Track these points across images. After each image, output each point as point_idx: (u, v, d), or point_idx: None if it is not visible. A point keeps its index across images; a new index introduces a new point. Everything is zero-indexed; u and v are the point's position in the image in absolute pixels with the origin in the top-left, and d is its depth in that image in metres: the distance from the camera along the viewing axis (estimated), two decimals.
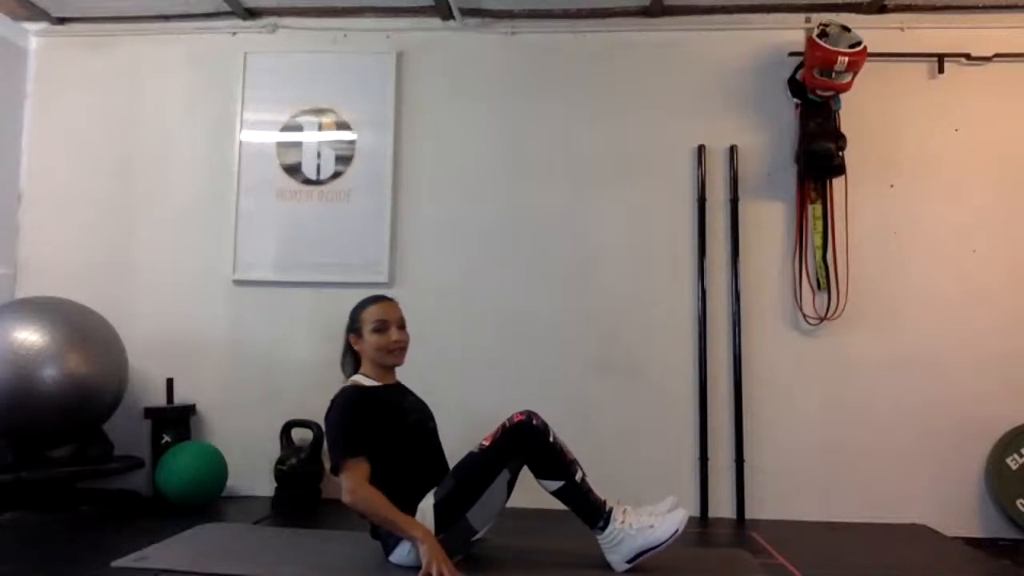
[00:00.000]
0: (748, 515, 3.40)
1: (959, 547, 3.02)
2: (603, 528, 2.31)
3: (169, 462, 3.36)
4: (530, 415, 2.35)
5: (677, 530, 2.30)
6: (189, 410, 3.64)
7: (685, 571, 2.51)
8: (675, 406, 3.50)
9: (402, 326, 2.55)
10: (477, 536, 2.35)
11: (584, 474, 2.37)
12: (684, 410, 3.49)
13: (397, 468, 2.36)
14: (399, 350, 2.53)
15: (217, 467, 3.43)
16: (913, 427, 3.40)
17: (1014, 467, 3.30)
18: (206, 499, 3.37)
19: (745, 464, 3.43)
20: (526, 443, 2.32)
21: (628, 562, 2.30)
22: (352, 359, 2.60)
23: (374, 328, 2.50)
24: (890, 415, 3.42)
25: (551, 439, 2.34)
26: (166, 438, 3.51)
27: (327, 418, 2.43)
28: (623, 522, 2.30)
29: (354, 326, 2.55)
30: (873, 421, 3.42)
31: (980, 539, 3.26)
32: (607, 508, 2.33)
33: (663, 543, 2.28)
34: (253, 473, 3.56)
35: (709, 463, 3.44)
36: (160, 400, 3.64)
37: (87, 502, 3.35)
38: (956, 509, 3.35)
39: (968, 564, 2.80)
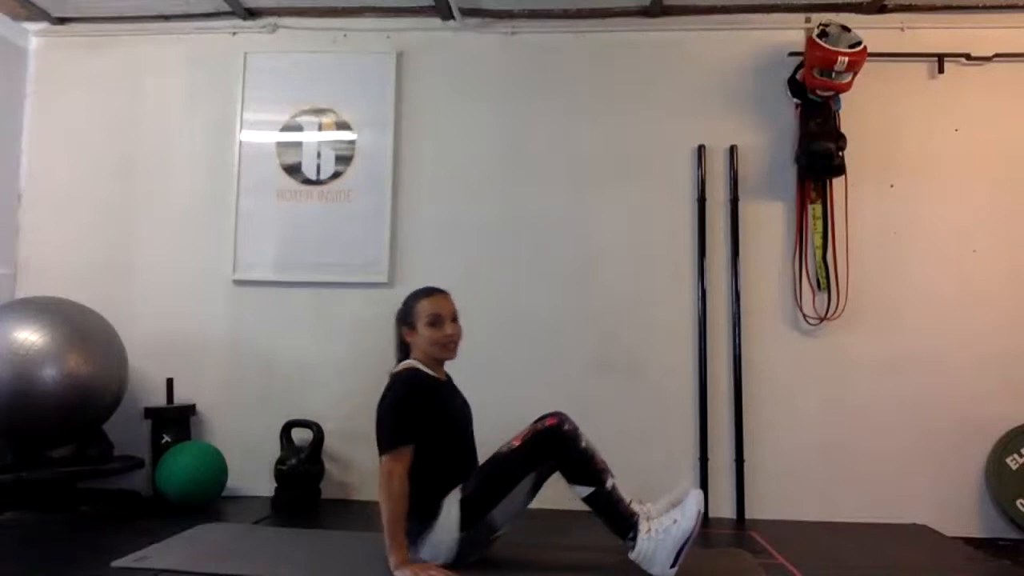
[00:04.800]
0: (748, 515, 3.40)
1: (959, 547, 3.01)
2: (633, 539, 2.26)
3: (169, 462, 3.36)
4: (561, 420, 2.33)
5: (699, 511, 2.25)
6: (189, 410, 3.64)
7: (685, 571, 2.50)
8: (675, 406, 3.50)
9: (455, 319, 2.53)
10: (498, 534, 2.36)
11: (615, 482, 2.33)
12: (684, 410, 3.49)
13: (438, 464, 2.36)
14: (452, 344, 2.50)
15: (217, 467, 3.43)
16: (913, 427, 3.40)
17: (1014, 467, 3.30)
18: (206, 499, 3.37)
19: (745, 464, 3.43)
20: (556, 448, 2.31)
21: (672, 566, 2.24)
22: (402, 351, 2.56)
23: (428, 322, 2.46)
24: (890, 415, 3.42)
25: (582, 444, 2.32)
26: (166, 438, 3.51)
27: (384, 398, 2.39)
28: (649, 531, 2.26)
29: (407, 319, 2.51)
30: (873, 421, 3.42)
31: (980, 539, 3.26)
32: (635, 517, 2.28)
33: (693, 531, 2.23)
34: (253, 473, 3.56)
35: (709, 463, 3.44)
36: (160, 400, 3.64)
37: (87, 502, 3.35)
38: (956, 509, 3.35)
39: (968, 564, 2.79)
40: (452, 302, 2.55)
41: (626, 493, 2.34)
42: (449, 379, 2.60)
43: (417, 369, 2.47)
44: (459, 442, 2.48)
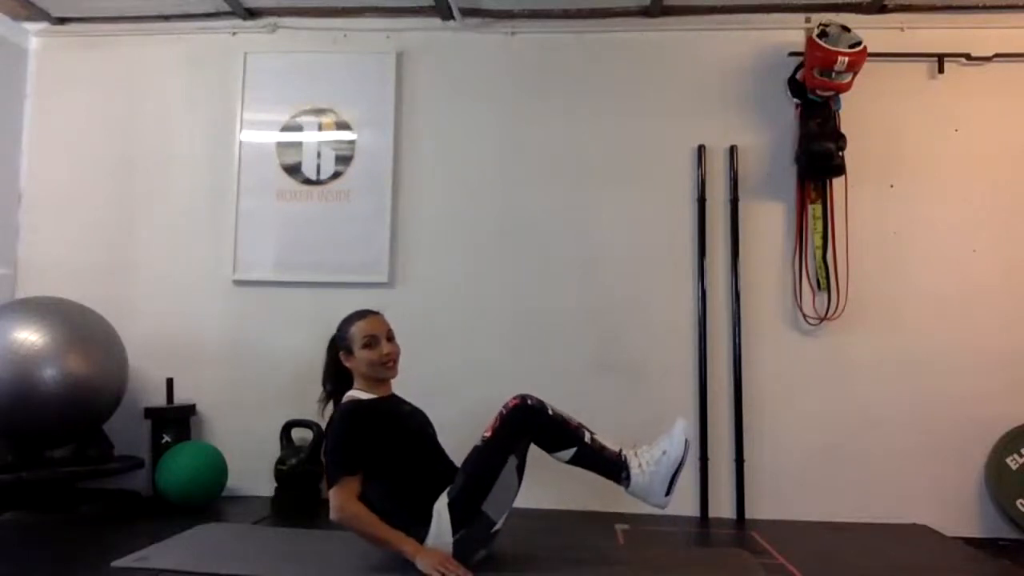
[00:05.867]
0: (748, 515, 3.40)
1: (959, 547, 3.02)
2: (627, 478, 2.35)
3: (169, 462, 3.36)
4: (524, 397, 2.38)
5: (686, 440, 2.36)
6: (189, 410, 3.64)
7: (685, 571, 2.51)
8: (675, 406, 3.49)
9: (391, 338, 2.56)
10: (496, 527, 2.36)
11: (592, 433, 2.40)
12: (684, 410, 3.48)
13: (407, 475, 2.39)
14: (391, 362, 2.54)
15: (217, 467, 3.43)
16: (913, 427, 3.40)
17: (1014, 467, 3.30)
18: (206, 499, 3.37)
19: (745, 464, 3.43)
20: (527, 425, 2.35)
21: (668, 494, 2.36)
22: (336, 377, 2.60)
23: (364, 344, 2.50)
24: (890, 415, 3.42)
25: (550, 412, 2.37)
26: (166, 438, 3.51)
27: (325, 434, 2.47)
28: (640, 467, 2.35)
29: (343, 344, 2.55)
30: (873, 421, 3.42)
31: (980, 539, 3.26)
32: (623, 457, 2.37)
33: (683, 459, 2.35)
34: (253, 473, 3.55)
35: (709, 463, 3.44)
36: (160, 400, 3.64)
37: (87, 502, 3.35)
38: (956, 509, 3.34)
39: (968, 564, 2.80)
40: (386, 322, 2.59)
41: (610, 440, 2.41)
42: (393, 394, 2.61)
43: (356, 400, 2.49)
44: (422, 448, 2.49)
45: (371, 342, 2.50)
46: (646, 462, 2.35)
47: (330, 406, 2.61)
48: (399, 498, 2.35)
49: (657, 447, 2.38)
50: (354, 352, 2.51)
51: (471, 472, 2.34)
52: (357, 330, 2.53)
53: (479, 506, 2.31)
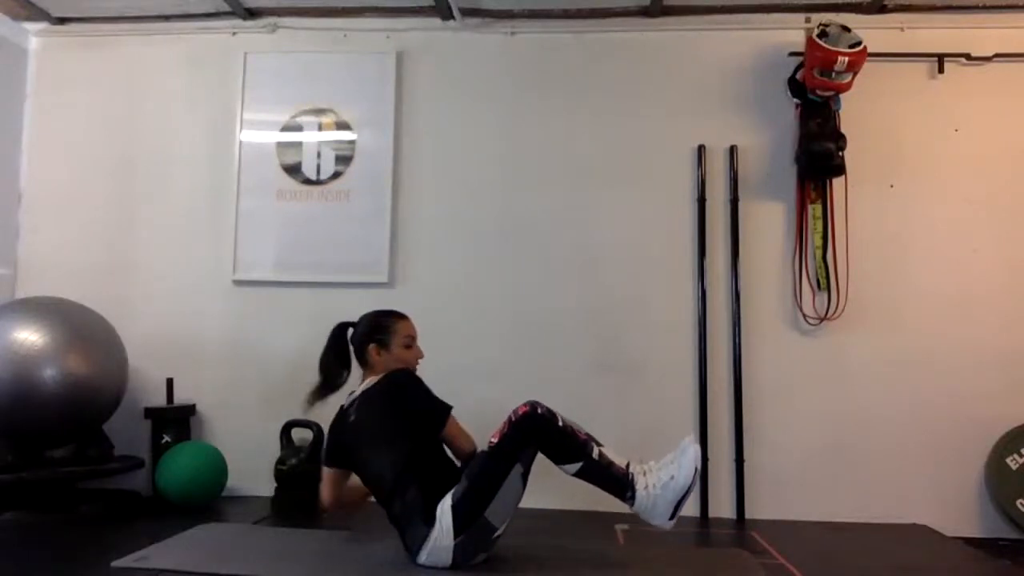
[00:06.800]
0: (748, 515, 3.40)
1: (959, 547, 3.02)
2: (632, 497, 2.33)
3: (169, 462, 3.36)
4: (534, 405, 2.36)
5: (696, 468, 2.33)
6: (189, 410, 3.64)
7: (685, 571, 2.51)
8: (675, 406, 3.50)
9: None
10: (498, 533, 2.35)
11: (600, 446, 2.37)
12: (684, 410, 3.49)
13: (426, 468, 2.40)
14: (417, 366, 2.64)
15: (217, 467, 3.43)
16: (913, 427, 3.40)
17: (1014, 467, 3.30)
18: (206, 499, 3.37)
19: (745, 464, 3.43)
20: (535, 434, 2.33)
21: (671, 518, 2.34)
22: (340, 366, 2.63)
23: (407, 344, 2.61)
24: (890, 415, 3.42)
25: (559, 423, 2.35)
26: (166, 438, 3.51)
27: (404, 387, 2.49)
28: (647, 487, 2.32)
29: (378, 336, 2.58)
30: (873, 421, 3.42)
31: (980, 539, 3.26)
32: (630, 476, 2.34)
33: (690, 486, 2.32)
34: (253, 473, 3.55)
35: (709, 463, 3.43)
36: (160, 400, 3.64)
37: (87, 502, 3.35)
38: (956, 509, 3.34)
39: (968, 564, 2.80)
40: None
41: (616, 454, 2.38)
42: None
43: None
44: (436, 445, 2.50)
45: (411, 343, 2.63)
46: (652, 484, 2.32)
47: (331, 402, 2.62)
48: (417, 486, 2.35)
49: (665, 470, 2.34)
50: (391, 347, 2.58)
51: (475, 478, 2.33)
52: (402, 328, 2.62)
53: (481, 513, 2.29)
